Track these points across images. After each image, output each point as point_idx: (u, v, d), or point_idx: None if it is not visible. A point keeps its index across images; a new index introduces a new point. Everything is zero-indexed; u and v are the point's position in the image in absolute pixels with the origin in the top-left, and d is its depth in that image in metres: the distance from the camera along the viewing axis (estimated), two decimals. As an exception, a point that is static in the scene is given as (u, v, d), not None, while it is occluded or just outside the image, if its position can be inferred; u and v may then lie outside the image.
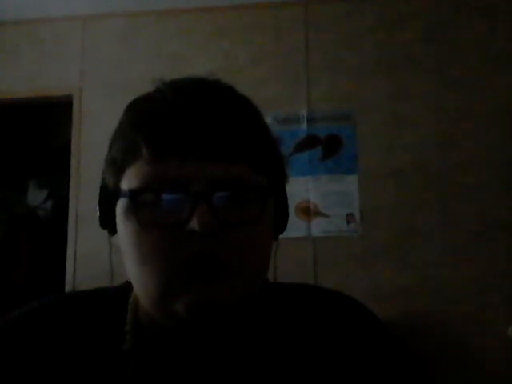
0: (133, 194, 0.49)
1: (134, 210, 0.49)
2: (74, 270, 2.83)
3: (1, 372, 0.53)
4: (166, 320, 0.51)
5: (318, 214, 2.74)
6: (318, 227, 2.73)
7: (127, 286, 0.58)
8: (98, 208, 0.55)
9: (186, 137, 0.48)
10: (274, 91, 2.85)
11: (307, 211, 2.74)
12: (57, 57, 3.08)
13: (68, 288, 2.79)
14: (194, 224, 0.46)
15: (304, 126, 2.83)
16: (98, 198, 0.55)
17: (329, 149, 2.80)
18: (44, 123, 3.91)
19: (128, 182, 0.50)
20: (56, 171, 3.58)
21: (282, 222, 0.57)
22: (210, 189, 0.47)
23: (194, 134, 0.48)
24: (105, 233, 0.56)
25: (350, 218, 2.72)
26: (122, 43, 3.04)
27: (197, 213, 0.46)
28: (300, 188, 2.74)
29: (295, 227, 2.68)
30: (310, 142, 2.81)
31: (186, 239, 0.47)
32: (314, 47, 2.91)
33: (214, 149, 0.48)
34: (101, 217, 0.55)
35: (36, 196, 3.77)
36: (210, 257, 0.47)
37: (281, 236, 0.58)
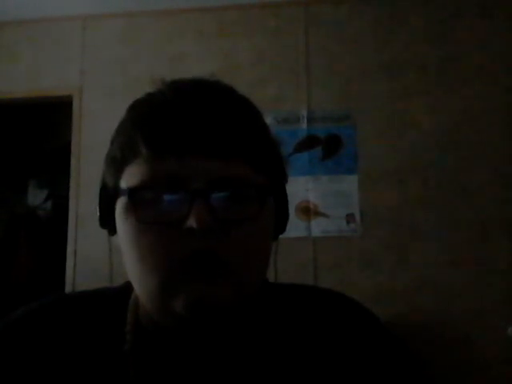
0: (132, 192, 0.49)
1: (133, 208, 0.49)
2: (74, 270, 2.83)
3: (1, 372, 0.53)
4: (165, 319, 0.51)
5: (317, 214, 2.74)
6: (318, 227, 2.73)
7: (127, 287, 0.58)
8: (97, 208, 0.55)
9: (185, 135, 0.48)
10: (274, 91, 2.85)
11: (307, 211, 2.74)
12: (57, 57, 3.08)
13: (68, 288, 2.79)
14: (191, 221, 0.46)
15: (304, 126, 2.83)
16: (97, 198, 0.55)
17: (329, 149, 2.80)
18: (44, 123, 3.91)
19: (127, 181, 0.50)
20: (56, 171, 3.58)
21: (282, 223, 0.57)
22: (208, 186, 0.47)
23: (193, 132, 0.48)
24: (105, 233, 0.56)
25: (349, 218, 2.72)
26: (122, 43, 3.04)
27: (194, 210, 0.46)
28: (300, 188, 2.75)
29: (295, 227, 2.68)
30: (309, 142, 2.81)
31: (184, 237, 0.47)
32: (314, 47, 2.91)
33: (212, 146, 0.48)
34: (101, 216, 0.55)
35: (36, 196, 3.78)
36: (208, 255, 0.47)
37: (281, 236, 0.58)
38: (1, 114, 3.42)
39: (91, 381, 0.53)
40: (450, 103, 2.76)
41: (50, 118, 3.78)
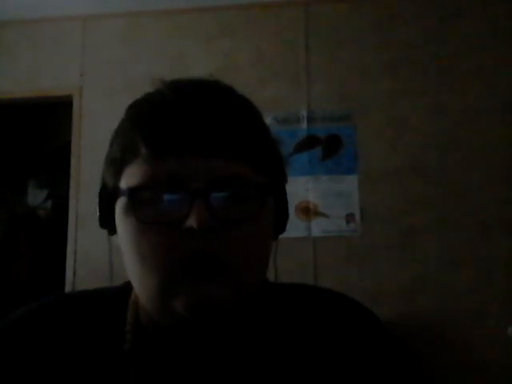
0: (131, 193, 0.49)
1: (132, 208, 0.49)
2: (74, 270, 2.83)
3: (1, 372, 0.53)
4: (165, 319, 0.51)
5: (317, 214, 2.74)
6: (318, 227, 2.73)
7: (127, 286, 0.58)
8: (97, 208, 0.55)
9: (184, 135, 0.48)
10: (274, 91, 2.85)
11: (307, 211, 2.74)
12: (57, 57, 3.08)
13: (68, 288, 2.79)
14: (191, 221, 0.46)
15: (304, 126, 2.83)
16: (97, 198, 0.55)
17: (329, 149, 2.80)
18: (44, 123, 3.91)
19: (127, 181, 0.50)
20: (56, 171, 3.58)
21: (282, 223, 0.57)
22: (208, 186, 0.47)
23: (192, 132, 0.48)
24: (105, 233, 0.56)
25: (349, 218, 2.72)
26: (122, 43, 3.04)
27: (194, 210, 0.46)
28: (300, 188, 2.74)
29: (295, 227, 2.68)
30: (309, 142, 2.81)
31: (184, 237, 0.47)
32: (314, 47, 2.91)
33: (212, 146, 0.48)
34: (100, 216, 0.55)
35: (36, 196, 3.78)
36: (208, 255, 0.47)
37: (281, 236, 0.58)
38: (1, 114, 3.42)
39: (91, 380, 0.53)
40: (450, 103, 2.76)
41: (50, 118, 3.78)
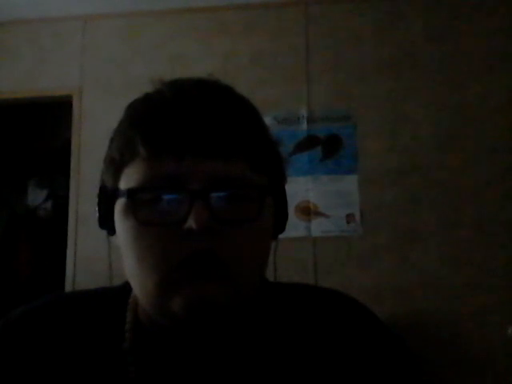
0: (131, 193, 0.49)
1: (132, 209, 0.49)
2: (74, 270, 2.83)
3: (1, 371, 0.53)
4: (163, 319, 0.51)
5: (318, 214, 2.74)
6: (318, 227, 2.73)
7: (127, 286, 0.58)
8: (97, 208, 0.55)
9: (184, 135, 0.48)
10: (274, 91, 2.85)
11: (307, 211, 2.74)
12: (57, 57, 3.08)
13: (68, 288, 2.79)
14: (191, 222, 0.46)
15: (304, 126, 2.83)
16: (97, 199, 0.55)
17: (329, 149, 2.80)
18: (44, 123, 3.90)
19: (126, 182, 0.50)
20: (56, 171, 3.58)
21: (281, 223, 0.57)
22: (207, 187, 0.47)
23: (192, 132, 0.48)
24: (104, 233, 0.56)
25: (349, 218, 2.72)
26: (122, 43, 3.05)
27: (194, 211, 0.46)
28: (300, 188, 2.74)
29: (295, 227, 2.68)
30: (310, 142, 2.81)
31: (184, 238, 0.47)
32: (314, 47, 2.91)
33: (211, 146, 0.48)
34: (100, 217, 0.55)
35: (36, 196, 3.77)
36: (207, 255, 0.47)
37: (281, 236, 0.58)
38: (1, 114, 3.42)
39: (91, 379, 0.53)
40: (450, 103, 2.76)
41: (49, 118, 3.78)
